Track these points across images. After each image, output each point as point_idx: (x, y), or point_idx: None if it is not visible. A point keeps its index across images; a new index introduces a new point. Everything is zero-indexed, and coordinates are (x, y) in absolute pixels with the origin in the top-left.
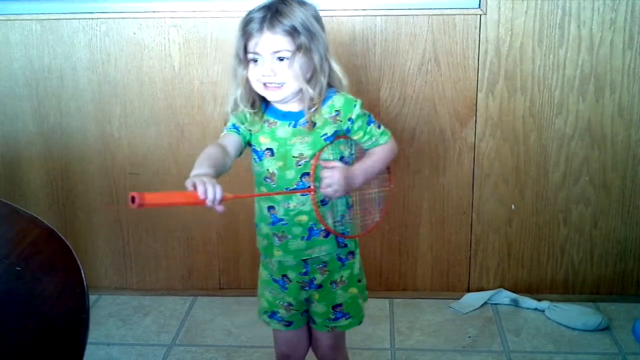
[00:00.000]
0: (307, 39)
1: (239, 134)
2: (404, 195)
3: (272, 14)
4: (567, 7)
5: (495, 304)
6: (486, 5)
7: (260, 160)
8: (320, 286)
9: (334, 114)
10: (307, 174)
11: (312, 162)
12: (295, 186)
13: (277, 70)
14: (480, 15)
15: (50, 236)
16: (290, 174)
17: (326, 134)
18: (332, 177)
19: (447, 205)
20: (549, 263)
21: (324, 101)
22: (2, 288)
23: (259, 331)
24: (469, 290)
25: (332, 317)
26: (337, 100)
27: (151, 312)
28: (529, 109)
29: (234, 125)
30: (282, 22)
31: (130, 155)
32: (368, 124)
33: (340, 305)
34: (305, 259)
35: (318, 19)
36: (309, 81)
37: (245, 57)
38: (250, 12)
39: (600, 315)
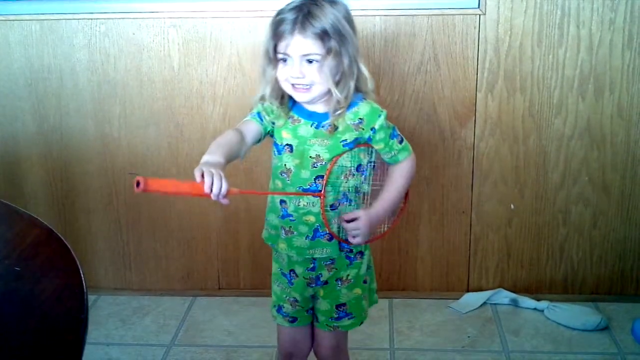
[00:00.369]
0: (338, 42)
1: (261, 124)
2: None
3: (304, 15)
4: (567, 7)
5: (495, 303)
6: (485, 5)
7: (279, 154)
8: (326, 282)
9: (357, 121)
10: (321, 176)
11: (328, 166)
12: (309, 186)
13: (306, 72)
14: (480, 15)
15: (49, 236)
16: (306, 173)
17: (346, 139)
18: (358, 229)
19: (447, 205)
20: (549, 263)
21: (349, 106)
22: (2, 288)
23: (258, 331)
24: (468, 290)
25: (335, 316)
26: (363, 108)
27: (150, 312)
28: (528, 109)
29: (258, 113)
30: (314, 25)
31: (129, 155)
32: (391, 137)
33: (344, 304)
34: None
35: (349, 20)
36: (337, 84)
37: (275, 57)
38: (281, 12)
39: (600, 315)
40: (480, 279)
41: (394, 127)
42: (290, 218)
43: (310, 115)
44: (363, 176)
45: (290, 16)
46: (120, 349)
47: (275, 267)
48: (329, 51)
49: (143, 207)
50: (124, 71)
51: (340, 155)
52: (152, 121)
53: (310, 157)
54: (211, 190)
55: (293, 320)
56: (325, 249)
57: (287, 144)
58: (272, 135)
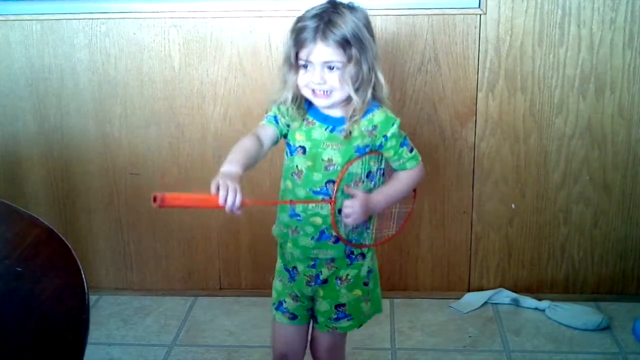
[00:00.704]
0: (358, 50)
1: (277, 127)
2: None
3: (325, 23)
4: (567, 7)
5: (496, 303)
6: (486, 5)
7: (292, 155)
8: (325, 281)
9: (371, 128)
10: (333, 181)
11: (340, 172)
12: (319, 189)
13: (327, 78)
14: (480, 15)
15: (50, 236)
16: (317, 176)
17: (358, 145)
18: (353, 207)
19: (448, 204)
20: (550, 262)
21: (365, 113)
22: (2, 288)
23: (259, 331)
24: (469, 290)
25: (334, 316)
26: (378, 116)
27: (152, 312)
28: (529, 108)
29: (274, 116)
30: (335, 33)
31: (130, 156)
32: (401, 145)
33: (343, 305)
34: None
35: (369, 27)
36: (356, 90)
37: (296, 63)
38: (302, 19)
39: (601, 315)
40: (481, 279)
41: (406, 135)
42: (298, 218)
43: (325, 119)
44: (372, 183)
45: (311, 24)
46: (122, 349)
47: (279, 263)
48: (349, 59)
49: (144, 207)
50: (125, 71)
51: (352, 162)
52: (153, 121)
53: (323, 160)
54: (225, 203)
55: (293, 317)
56: (329, 251)
57: (300, 146)
58: (285, 137)
